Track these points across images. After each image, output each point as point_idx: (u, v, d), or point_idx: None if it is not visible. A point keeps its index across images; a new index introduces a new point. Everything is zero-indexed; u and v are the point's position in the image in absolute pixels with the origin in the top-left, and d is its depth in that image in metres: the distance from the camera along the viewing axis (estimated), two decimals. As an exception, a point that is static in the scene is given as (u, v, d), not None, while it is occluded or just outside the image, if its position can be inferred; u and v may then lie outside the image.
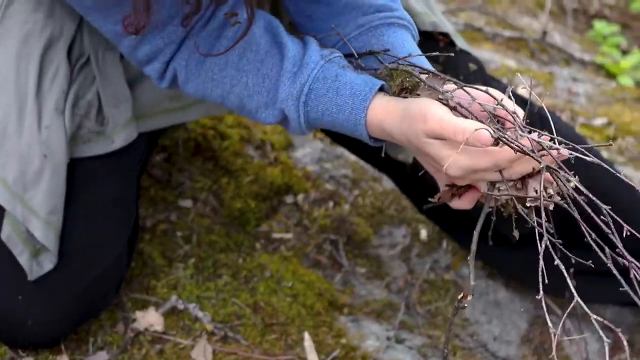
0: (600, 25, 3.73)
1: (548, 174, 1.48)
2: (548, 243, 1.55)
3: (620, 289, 1.48)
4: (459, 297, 1.47)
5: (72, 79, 1.82)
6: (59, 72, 1.80)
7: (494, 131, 1.42)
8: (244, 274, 2.19)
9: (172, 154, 2.41)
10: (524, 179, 1.52)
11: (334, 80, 1.61)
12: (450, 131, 1.45)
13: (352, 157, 2.46)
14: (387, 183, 2.45)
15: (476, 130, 1.42)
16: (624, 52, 3.61)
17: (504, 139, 1.42)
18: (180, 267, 2.18)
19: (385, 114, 1.57)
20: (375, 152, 2.08)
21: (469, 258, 1.51)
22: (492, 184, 1.53)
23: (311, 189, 2.43)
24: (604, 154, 2.64)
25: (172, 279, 2.15)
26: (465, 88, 1.52)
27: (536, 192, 1.49)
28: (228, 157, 2.42)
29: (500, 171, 1.49)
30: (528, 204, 1.51)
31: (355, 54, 1.68)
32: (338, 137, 2.18)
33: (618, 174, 1.53)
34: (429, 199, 1.65)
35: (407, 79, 1.60)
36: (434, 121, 1.47)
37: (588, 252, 2.12)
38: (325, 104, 1.61)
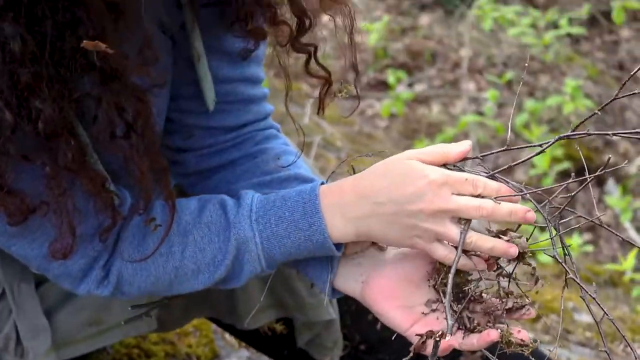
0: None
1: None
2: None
3: None
4: (438, 334, 1.52)
5: (-12, 314, 1.80)
6: (-26, 308, 1.78)
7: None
8: None
9: (98, 377, 2.37)
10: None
11: (275, 195, 1.66)
12: (435, 148, 1.61)
13: (279, 364, 2.44)
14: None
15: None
16: (542, 228, 3.67)
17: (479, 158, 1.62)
18: None
19: (341, 183, 1.64)
20: (302, 358, 2.08)
21: (445, 302, 1.57)
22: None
23: (240, 399, 2.40)
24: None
25: None
26: None
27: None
28: (154, 374, 2.39)
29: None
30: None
31: None
32: (262, 346, 2.18)
33: None
34: None
35: None
36: (416, 150, 1.62)
37: None
38: (275, 213, 1.63)
